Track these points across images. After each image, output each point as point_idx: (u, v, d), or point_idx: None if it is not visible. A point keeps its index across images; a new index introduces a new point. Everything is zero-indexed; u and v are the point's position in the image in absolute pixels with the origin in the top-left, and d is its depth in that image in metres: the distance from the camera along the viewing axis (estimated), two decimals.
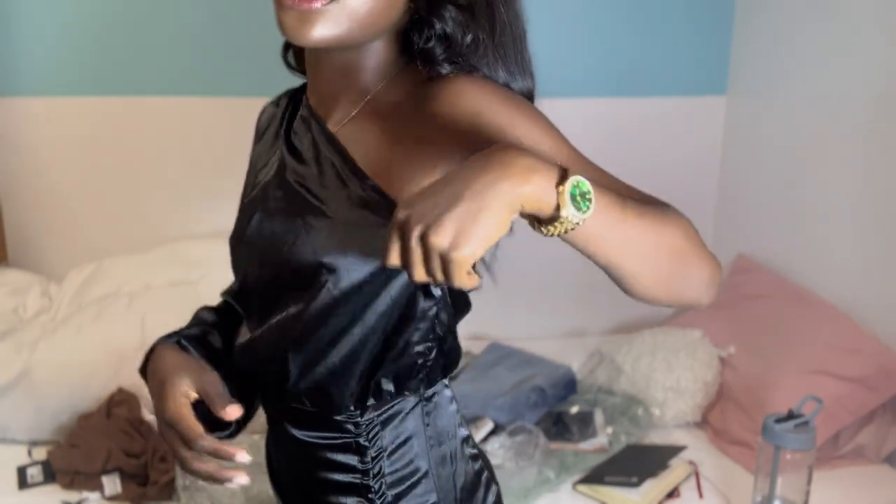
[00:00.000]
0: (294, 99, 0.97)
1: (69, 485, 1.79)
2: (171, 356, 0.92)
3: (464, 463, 0.95)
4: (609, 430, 1.98)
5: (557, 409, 2.05)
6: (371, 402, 0.88)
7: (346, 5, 0.78)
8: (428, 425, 0.92)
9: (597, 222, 0.67)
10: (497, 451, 1.83)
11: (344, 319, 0.84)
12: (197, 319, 1.01)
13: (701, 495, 1.81)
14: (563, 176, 0.65)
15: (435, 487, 0.92)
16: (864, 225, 2.02)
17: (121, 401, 1.92)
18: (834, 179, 2.11)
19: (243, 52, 2.26)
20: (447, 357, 0.92)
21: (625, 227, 0.69)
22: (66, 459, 1.81)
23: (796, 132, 2.26)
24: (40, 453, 1.90)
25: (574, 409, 2.05)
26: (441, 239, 0.63)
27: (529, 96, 0.88)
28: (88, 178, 2.35)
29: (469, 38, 0.83)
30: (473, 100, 0.79)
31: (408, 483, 0.91)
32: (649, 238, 0.71)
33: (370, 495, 0.90)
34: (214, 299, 2.14)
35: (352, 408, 0.88)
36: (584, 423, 1.99)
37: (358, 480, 0.90)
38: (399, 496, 0.90)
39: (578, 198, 0.65)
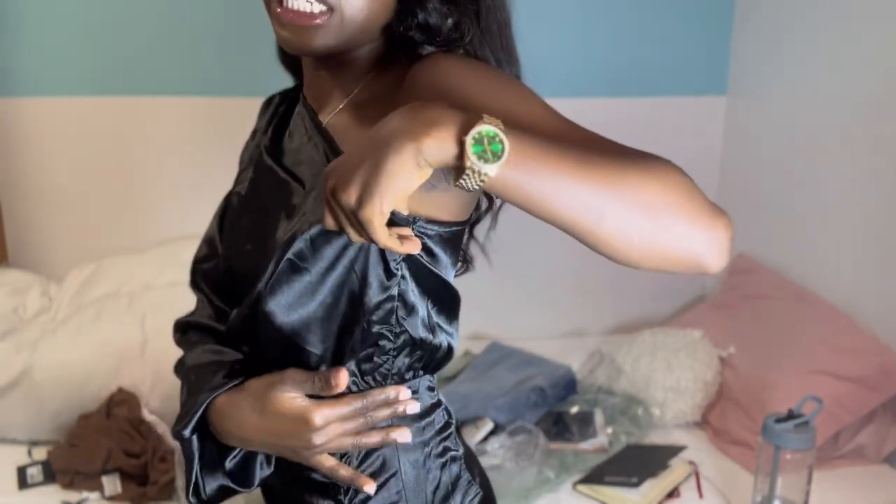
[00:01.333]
0: (289, 97, 0.98)
1: (69, 485, 1.79)
2: (235, 399, 0.86)
3: (438, 468, 0.93)
4: (609, 430, 1.98)
5: (557, 409, 2.05)
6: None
7: (344, 17, 0.79)
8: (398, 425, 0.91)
9: (519, 172, 0.63)
10: (497, 451, 1.83)
11: (303, 285, 0.82)
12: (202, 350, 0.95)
13: (701, 495, 1.81)
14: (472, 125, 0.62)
15: (403, 489, 0.91)
16: (863, 225, 2.02)
17: (121, 401, 1.92)
18: (834, 179, 2.11)
19: (243, 52, 2.26)
20: (424, 351, 0.88)
21: (563, 177, 0.63)
22: (65, 459, 1.81)
23: (796, 132, 2.26)
24: (40, 453, 1.90)
25: (574, 409, 2.05)
26: (347, 197, 0.64)
27: None
28: (88, 178, 2.35)
29: (450, 22, 0.83)
30: (447, 71, 0.77)
31: (376, 484, 0.89)
32: (603, 191, 0.64)
33: (339, 496, 0.89)
34: None
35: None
36: (584, 423, 1.99)
37: (328, 479, 0.89)
38: (366, 497, 0.89)
39: (485, 146, 0.62)
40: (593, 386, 2.18)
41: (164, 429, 1.90)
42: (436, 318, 0.88)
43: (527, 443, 1.85)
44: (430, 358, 0.90)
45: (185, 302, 2.26)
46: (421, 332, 0.87)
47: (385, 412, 0.83)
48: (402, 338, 0.86)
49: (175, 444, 1.83)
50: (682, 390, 2.08)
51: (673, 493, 1.79)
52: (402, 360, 0.88)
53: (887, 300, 1.95)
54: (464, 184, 0.64)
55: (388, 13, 0.82)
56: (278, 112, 0.97)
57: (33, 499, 1.77)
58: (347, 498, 0.89)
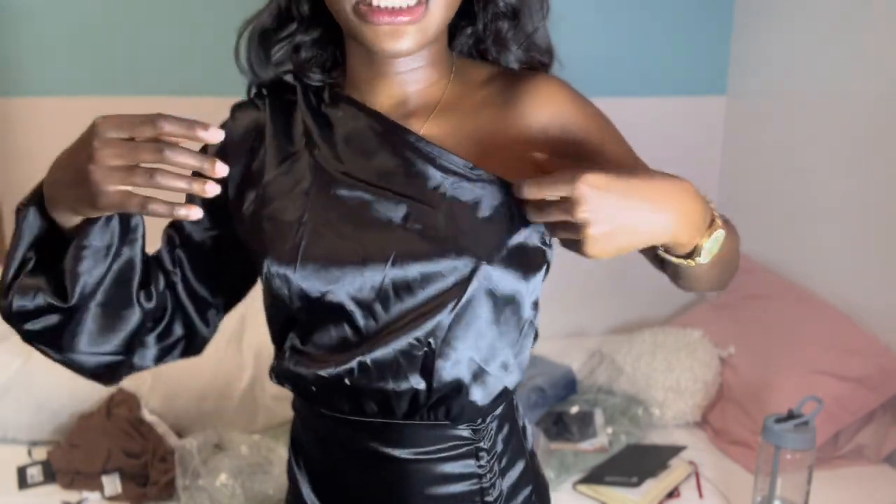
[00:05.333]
0: (306, 99, 0.90)
1: (69, 485, 1.79)
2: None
3: (535, 453, 0.98)
4: (609, 430, 1.98)
5: (557, 409, 2.05)
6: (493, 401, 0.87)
7: (431, 14, 0.79)
8: (516, 420, 0.93)
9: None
10: None
11: (489, 313, 0.82)
12: None
13: (701, 495, 1.81)
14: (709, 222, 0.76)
15: (532, 478, 0.93)
16: (864, 225, 2.02)
17: (121, 401, 1.92)
18: (834, 179, 2.11)
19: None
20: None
21: (720, 260, 0.80)
22: (66, 459, 1.81)
23: (796, 132, 2.26)
24: (40, 453, 1.90)
25: (574, 409, 2.05)
26: (595, 226, 0.71)
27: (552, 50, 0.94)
28: None
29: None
30: (561, 111, 0.86)
31: (515, 478, 0.91)
32: (725, 255, 0.81)
33: (487, 498, 0.88)
34: None
35: (481, 412, 0.86)
36: (584, 423, 1.99)
37: (476, 486, 0.88)
38: (511, 494, 0.91)
39: (713, 249, 0.76)
40: (593, 386, 2.18)
41: (164, 429, 1.90)
42: None
43: None
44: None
45: None
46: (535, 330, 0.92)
47: (186, 159, 0.70)
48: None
49: (176, 444, 1.83)
50: (682, 390, 2.08)
51: (673, 493, 1.79)
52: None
53: (887, 300, 1.95)
54: (676, 261, 0.78)
55: (455, 7, 0.83)
56: (296, 121, 0.90)
57: (33, 499, 1.77)
58: (496, 498, 0.89)
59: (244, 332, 2.03)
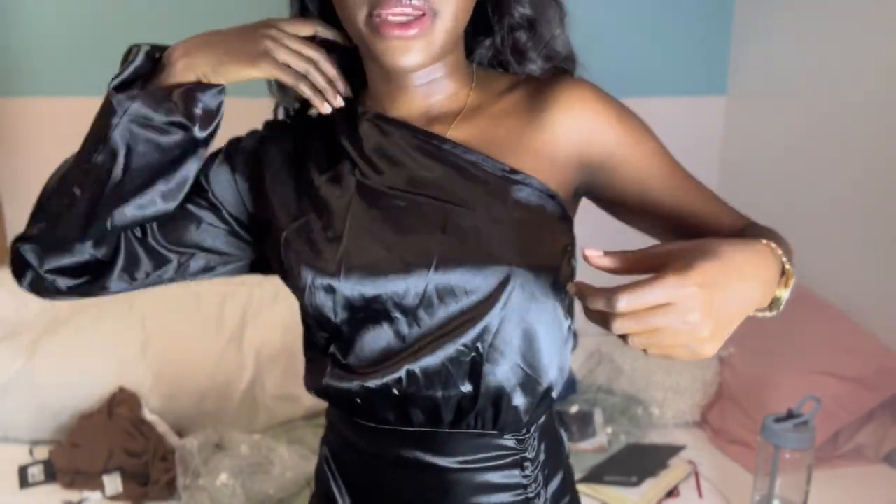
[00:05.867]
0: (334, 121, 0.91)
1: (70, 484, 1.80)
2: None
3: (570, 462, 0.97)
4: (608, 429, 1.99)
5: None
6: (539, 409, 0.87)
7: (442, 26, 0.79)
8: (556, 429, 0.93)
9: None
10: None
11: (532, 317, 0.82)
12: None
13: (700, 495, 1.81)
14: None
15: (570, 487, 0.93)
16: (863, 225, 2.02)
17: (122, 400, 1.93)
18: (833, 179, 2.11)
19: None
20: None
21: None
22: (67, 459, 1.82)
23: (796, 132, 2.26)
24: (41, 453, 1.90)
25: (574, 409, 2.06)
26: (707, 334, 0.63)
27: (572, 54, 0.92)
28: None
29: (549, 10, 0.87)
30: (589, 115, 0.85)
31: (556, 486, 0.91)
32: None
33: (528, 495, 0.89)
34: (214, 299, 2.13)
35: (525, 419, 0.86)
36: (584, 423, 2.00)
37: (521, 497, 0.88)
38: (560, 490, 0.91)
39: (788, 297, 0.72)
40: (593, 385, 2.18)
41: (164, 429, 1.90)
42: None
43: None
44: None
45: (186, 302, 2.25)
46: None
47: (331, 70, 0.85)
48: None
49: (176, 443, 1.83)
50: (682, 390, 2.08)
51: (672, 493, 1.80)
52: None
53: (887, 300, 1.95)
54: (760, 315, 0.74)
55: (468, 17, 0.82)
56: (330, 140, 0.91)
57: (35, 498, 1.77)
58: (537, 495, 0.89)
59: (244, 331, 2.04)
